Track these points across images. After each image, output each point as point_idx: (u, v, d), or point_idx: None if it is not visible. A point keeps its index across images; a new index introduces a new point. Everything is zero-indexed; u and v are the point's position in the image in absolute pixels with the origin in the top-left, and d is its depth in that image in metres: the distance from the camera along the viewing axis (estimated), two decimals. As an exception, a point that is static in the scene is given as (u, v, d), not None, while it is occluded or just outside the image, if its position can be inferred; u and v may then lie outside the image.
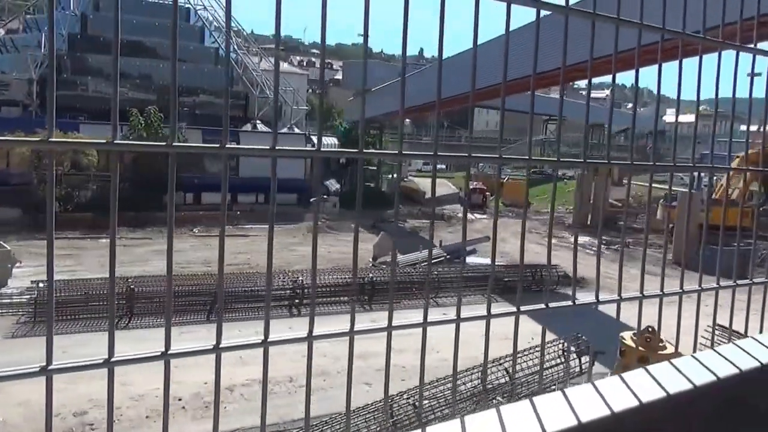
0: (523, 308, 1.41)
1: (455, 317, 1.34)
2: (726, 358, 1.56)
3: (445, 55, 1.35)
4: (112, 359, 1.02)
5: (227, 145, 1.09)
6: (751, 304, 1.91)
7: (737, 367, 1.53)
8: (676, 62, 1.66)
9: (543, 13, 1.43)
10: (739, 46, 1.77)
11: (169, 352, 1.06)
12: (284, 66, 60.55)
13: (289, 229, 34.37)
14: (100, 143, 1.00)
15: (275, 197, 1.21)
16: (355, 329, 1.22)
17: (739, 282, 1.83)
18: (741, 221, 2.23)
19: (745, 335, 1.85)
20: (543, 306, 1.47)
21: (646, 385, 1.32)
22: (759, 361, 1.58)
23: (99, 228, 29.60)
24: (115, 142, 0.98)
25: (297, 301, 20.28)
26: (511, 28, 1.37)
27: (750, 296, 1.89)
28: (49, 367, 0.95)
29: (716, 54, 1.72)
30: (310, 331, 1.15)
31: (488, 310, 1.37)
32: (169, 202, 1.04)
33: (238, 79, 49.44)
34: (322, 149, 1.22)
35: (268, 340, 1.11)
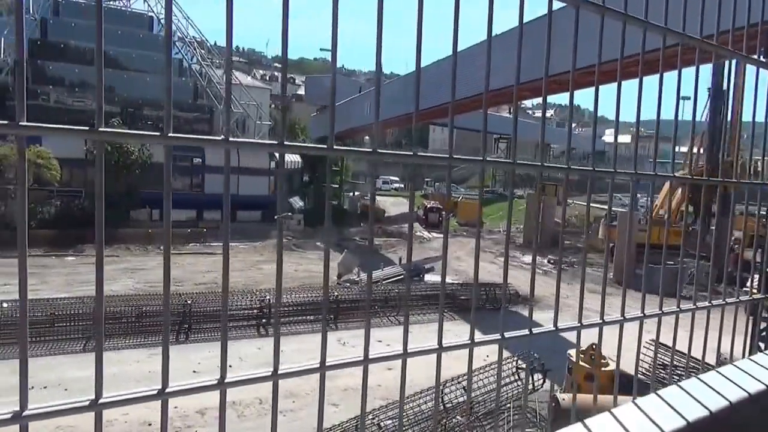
0: (507, 335, 1.31)
1: (437, 346, 1.23)
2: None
3: (411, 69, 1.28)
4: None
5: (170, 134, 0.95)
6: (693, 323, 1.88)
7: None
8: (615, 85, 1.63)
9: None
10: (695, 37, 1.73)
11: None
12: (246, 79, 59.41)
13: (255, 247, 33.86)
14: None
15: (228, 193, 1.08)
16: (327, 363, 1.10)
17: (683, 307, 1.81)
18: (683, 241, 2.21)
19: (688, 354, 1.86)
20: (527, 332, 1.38)
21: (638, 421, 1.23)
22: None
23: (63, 245, 28.71)
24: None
25: (265, 320, 19.90)
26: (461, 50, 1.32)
27: (694, 319, 1.86)
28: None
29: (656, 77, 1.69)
30: (275, 368, 1.02)
31: (471, 337, 1.26)
32: (97, 206, 0.91)
33: (202, 92, 48.36)
34: (285, 143, 1.09)
35: (226, 380, 0.97)
